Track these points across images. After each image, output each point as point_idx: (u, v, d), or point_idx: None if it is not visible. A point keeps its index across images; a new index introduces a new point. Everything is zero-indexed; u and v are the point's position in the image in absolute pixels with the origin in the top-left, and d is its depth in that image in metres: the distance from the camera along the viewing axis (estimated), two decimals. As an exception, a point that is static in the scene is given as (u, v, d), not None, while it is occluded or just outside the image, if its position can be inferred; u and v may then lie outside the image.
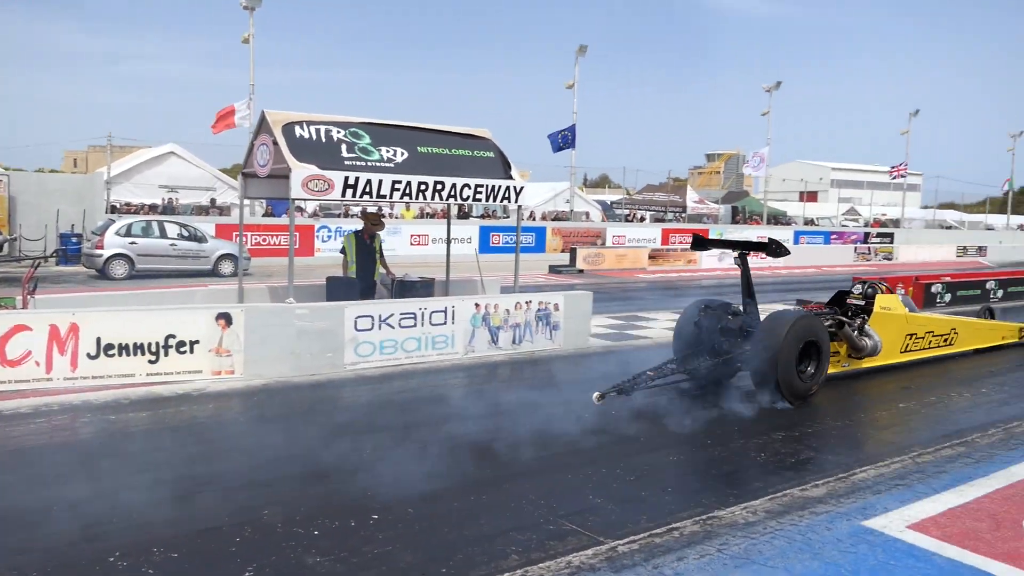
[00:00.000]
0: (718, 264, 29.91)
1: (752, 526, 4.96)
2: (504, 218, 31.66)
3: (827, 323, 8.77)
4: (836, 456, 6.47)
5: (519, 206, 10.36)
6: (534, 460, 6.12)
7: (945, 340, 10.69)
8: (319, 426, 7.01)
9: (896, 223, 48.17)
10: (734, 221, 41.23)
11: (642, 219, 39.20)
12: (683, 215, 38.18)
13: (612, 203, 41.82)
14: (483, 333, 10.12)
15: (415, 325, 9.56)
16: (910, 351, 9.98)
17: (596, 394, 7.23)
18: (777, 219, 45.03)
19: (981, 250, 42.92)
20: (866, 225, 48.29)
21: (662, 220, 37.27)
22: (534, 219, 34.52)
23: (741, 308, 8.73)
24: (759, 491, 5.56)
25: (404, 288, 10.73)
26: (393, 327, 9.40)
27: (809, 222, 47.60)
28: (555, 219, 34.23)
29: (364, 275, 10.62)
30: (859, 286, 9.92)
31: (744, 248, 8.91)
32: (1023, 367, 10.68)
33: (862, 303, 9.55)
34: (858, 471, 6.07)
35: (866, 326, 9.35)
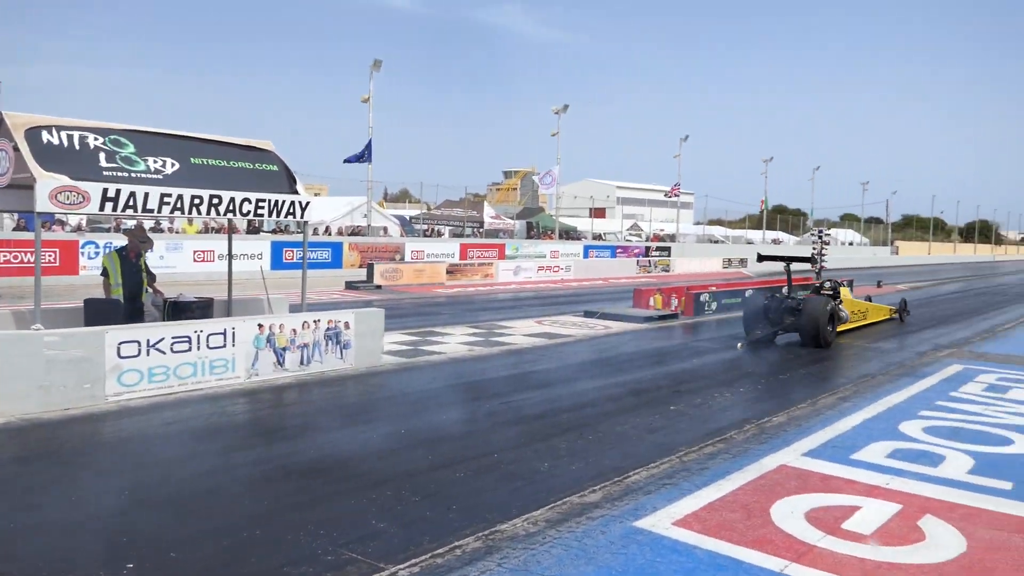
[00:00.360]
0: (514, 278, 30.86)
1: (532, 537, 5.08)
2: (299, 233, 30.54)
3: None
4: (612, 460, 6.85)
5: (305, 222, 9.97)
6: (315, 487, 5.87)
7: (863, 315, 17.27)
8: (60, 470, 6.24)
9: (673, 238, 52.64)
10: (529, 236, 42.90)
11: (440, 234, 39.61)
12: (481, 230, 39.10)
13: (411, 218, 41.84)
14: (268, 355, 9.60)
15: (190, 349, 8.85)
16: (853, 322, 16.47)
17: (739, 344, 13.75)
18: (568, 234, 47.46)
19: (743, 262, 48.07)
20: (647, 240, 52.29)
21: (460, 235, 37.87)
22: (330, 234, 33.62)
23: (788, 296, 15.21)
24: (541, 501, 5.72)
25: (178, 310, 9.91)
26: (164, 352, 8.64)
27: (597, 237, 50.68)
28: (353, 234, 33.58)
29: (130, 296, 9.69)
30: (828, 282, 16.48)
31: (791, 260, 15.95)
32: (773, 370, 12.02)
33: (831, 293, 15.83)
34: (631, 473, 6.45)
35: (840, 306, 15.52)
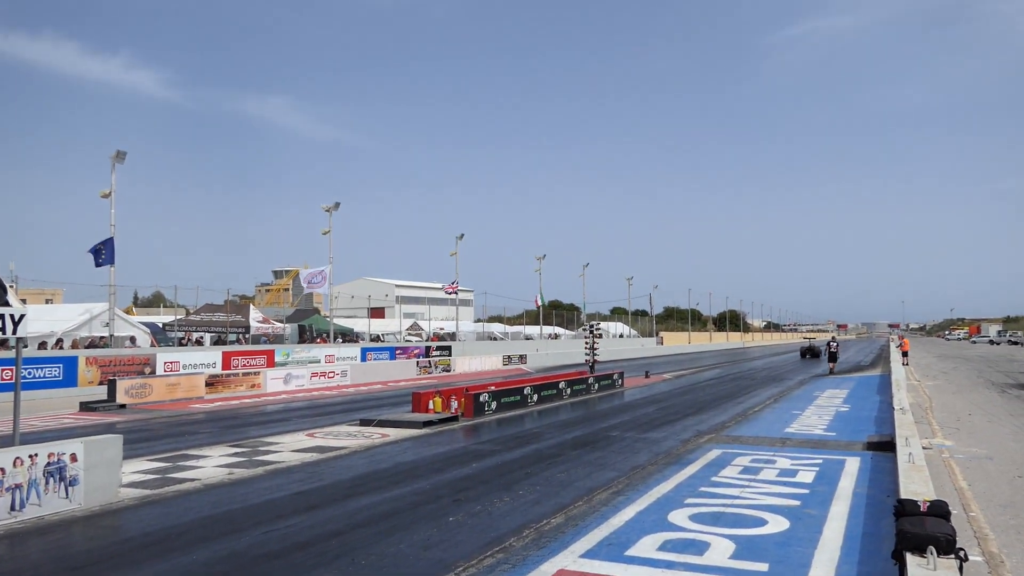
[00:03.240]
0: (284, 387, 29.51)
1: None
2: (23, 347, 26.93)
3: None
4: (387, 586, 6.55)
5: (19, 337, 8.82)
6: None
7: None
8: None
9: (453, 336, 53.64)
10: (301, 340, 41.47)
11: (200, 342, 37.06)
12: (247, 336, 37.17)
13: (165, 325, 38.76)
14: (-35, 502, 8.16)
15: None
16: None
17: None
18: (345, 336, 46.59)
19: (522, 358, 50.00)
20: (428, 339, 52.78)
21: (223, 342, 35.67)
22: (62, 347, 30.09)
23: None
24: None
25: None
26: None
27: (376, 338, 50.22)
28: (90, 346, 30.32)
29: None
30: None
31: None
32: (551, 467, 12.38)
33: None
34: (407, 599, 6.19)
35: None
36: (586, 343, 32.13)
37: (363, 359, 37.89)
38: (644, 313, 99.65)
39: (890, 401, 19.08)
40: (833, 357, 38.53)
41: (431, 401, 19.31)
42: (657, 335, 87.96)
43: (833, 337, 44.91)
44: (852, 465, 12.09)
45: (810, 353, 56.10)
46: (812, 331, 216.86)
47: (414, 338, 57.51)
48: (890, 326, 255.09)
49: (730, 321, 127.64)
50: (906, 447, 10.11)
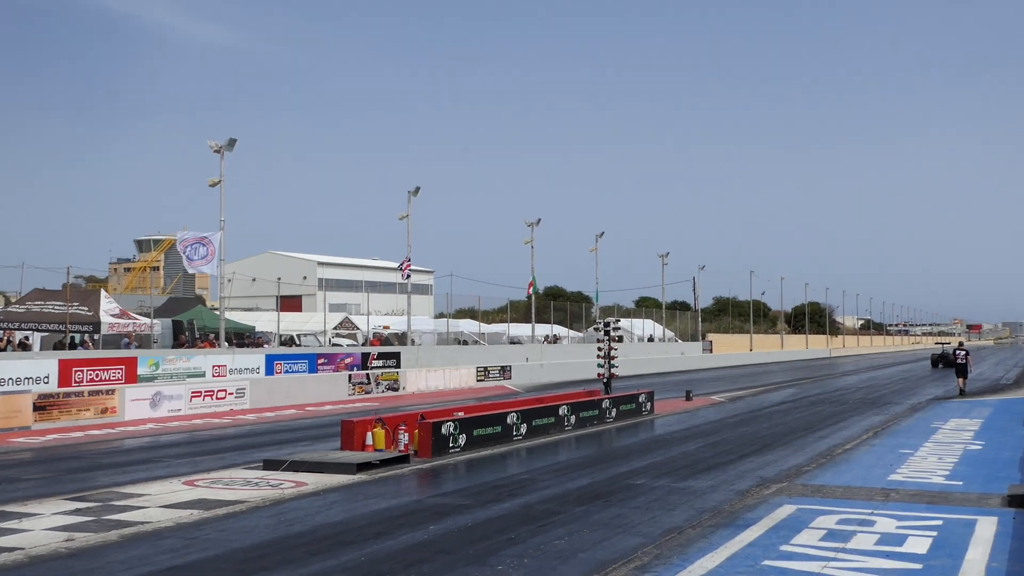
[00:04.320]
0: (152, 412, 29.47)
1: None
2: None
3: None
4: None
5: None
6: None
7: None
8: None
9: (403, 338, 53.60)
10: (178, 343, 41.29)
11: (26, 344, 36.85)
12: (95, 336, 36.99)
13: (-29, 320, 38.50)
14: None
15: None
16: None
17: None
18: (243, 338, 46.47)
19: (505, 371, 50.15)
20: (366, 342, 52.71)
21: (61, 345, 35.47)
22: None
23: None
24: None
25: None
26: None
27: (288, 341, 50.13)
28: None
29: None
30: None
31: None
32: (548, 529, 12.44)
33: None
34: None
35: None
36: (599, 350, 32.24)
37: (269, 371, 37.80)
38: (685, 306, 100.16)
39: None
40: (962, 371, 38.92)
41: (370, 434, 19.33)
42: (704, 338, 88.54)
43: (960, 343, 45.38)
44: (986, 528, 12.21)
45: (943, 362, 63.57)
46: (928, 334, 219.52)
47: (345, 341, 57.38)
48: None
49: (811, 319, 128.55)
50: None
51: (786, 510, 13.49)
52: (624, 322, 66.84)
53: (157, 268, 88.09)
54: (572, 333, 71.35)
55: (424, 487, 16.49)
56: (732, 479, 16.64)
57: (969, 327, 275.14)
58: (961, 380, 38.70)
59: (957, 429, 24.76)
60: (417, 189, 49.08)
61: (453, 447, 19.94)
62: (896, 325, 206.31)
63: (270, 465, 17.73)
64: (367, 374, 40.51)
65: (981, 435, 23.33)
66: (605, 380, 31.63)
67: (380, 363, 43.61)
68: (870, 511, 13.38)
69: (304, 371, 39.66)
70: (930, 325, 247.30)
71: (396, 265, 56.30)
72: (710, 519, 12.99)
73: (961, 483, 16.02)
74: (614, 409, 27.72)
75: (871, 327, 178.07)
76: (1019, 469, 17.59)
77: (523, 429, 22.81)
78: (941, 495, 14.85)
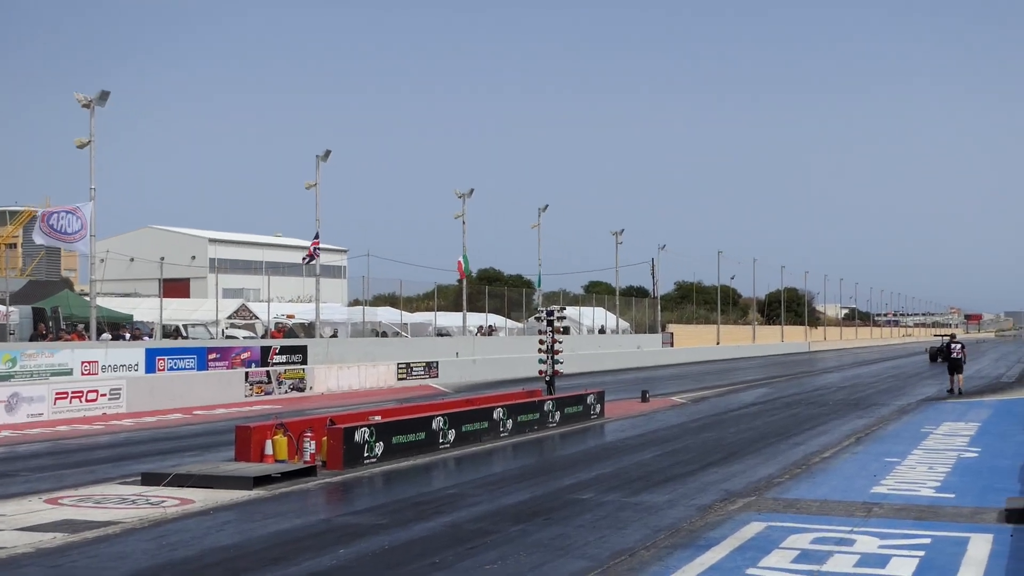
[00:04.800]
0: (8, 418, 29.04)
1: None
2: None
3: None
4: None
5: None
6: None
7: None
8: None
9: (311, 329, 53.24)
10: (39, 335, 40.62)
11: None
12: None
13: None
14: None
15: None
16: None
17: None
18: (119, 328, 45.89)
19: (432, 368, 50.12)
20: (266, 334, 52.27)
21: None
22: None
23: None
24: None
25: None
26: None
27: (174, 333, 49.49)
28: None
29: None
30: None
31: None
32: (478, 552, 12.50)
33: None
34: None
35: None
36: (541, 343, 32.37)
37: (150, 368, 37.41)
38: (643, 293, 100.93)
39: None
40: (956, 366, 39.67)
41: (270, 442, 19.21)
42: (664, 330, 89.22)
43: (953, 336, 46.32)
44: (980, 547, 12.47)
45: (942, 356, 63.04)
46: (921, 325, 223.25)
47: (242, 332, 56.80)
48: None
49: (788, 308, 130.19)
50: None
51: (754, 528, 13.66)
52: (571, 311, 67.19)
53: (14, 245, 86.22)
54: (510, 324, 71.49)
55: (333, 504, 16.45)
56: (693, 493, 16.81)
57: (967, 317, 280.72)
58: (955, 378, 39.42)
59: (950, 434, 25.23)
60: (327, 153, 48.74)
61: (368, 457, 19.89)
62: (885, 315, 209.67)
63: (150, 479, 17.55)
64: (267, 372, 40.21)
65: (977, 441, 23.80)
66: (548, 378, 31.75)
67: (283, 359, 43.34)
68: (850, 529, 13.60)
69: (192, 368, 39.28)
70: (924, 315, 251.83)
71: (303, 243, 55.85)
72: (667, 539, 13.12)
73: (953, 496, 16.35)
74: (558, 412, 27.81)
75: (856, 317, 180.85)
76: (1019, 479, 17.96)
77: (451, 436, 22.81)
78: (930, 510, 15.14)
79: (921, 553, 12.14)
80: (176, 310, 55.55)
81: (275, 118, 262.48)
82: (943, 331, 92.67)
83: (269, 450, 19.13)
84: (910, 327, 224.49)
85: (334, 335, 54.47)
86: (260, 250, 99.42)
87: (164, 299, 47.60)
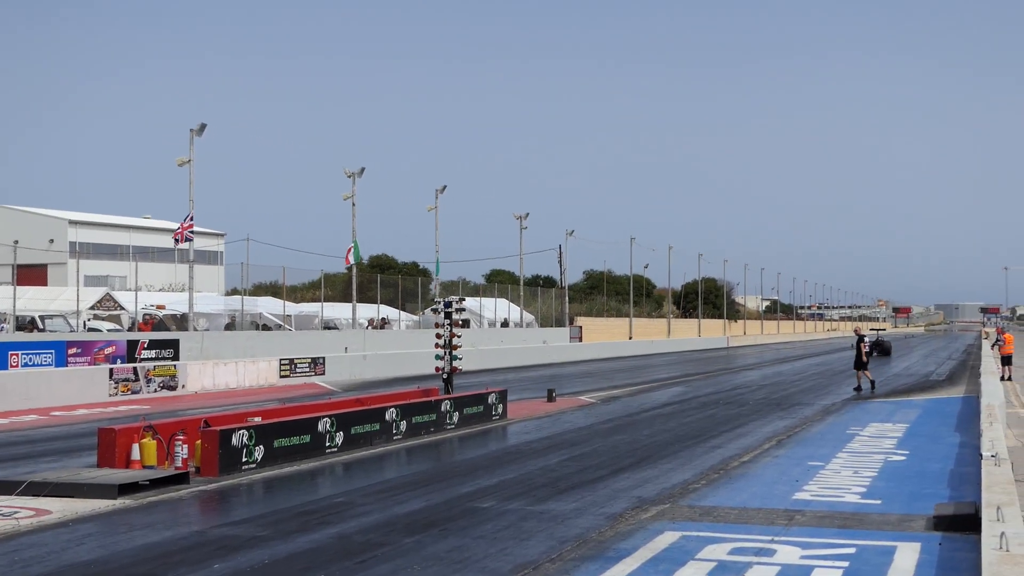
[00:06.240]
0: None
1: None
2: None
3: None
4: None
5: None
6: None
7: None
8: None
9: (184, 321, 52.70)
10: None
11: None
12: None
13: None
14: None
15: None
16: None
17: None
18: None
19: (318, 364, 49.81)
20: (132, 327, 51.62)
21: None
22: None
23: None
24: None
25: None
26: None
27: (28, 325, 48.64)
28: None
29: None
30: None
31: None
32: (368, 568, 12.49)
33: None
34: None
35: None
36: (439, 337, 32.34)
37: (2, 365, 36.83)
38: (550, 282, 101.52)
39: (977, 444, 20.17)
40: (862, 364, 40.57)
41: (136, 446, 19.00)
42: (572, 323, 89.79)
43: (856, 330, 49.42)
44: (906, 556, 12.74)
45: (879, 350, 69.45)
46: (847, 319, 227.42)
47: (106, 325, 56.01)
48: (984, 311, 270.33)
49: (705, 299, 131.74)
50: (998, 523, 10.70)
51: (668, 538, 13.81)
52: (471, 302, 67.24)
53: None
54: (405, 316, 71.38)
55: (208, 514, 16.31)
56: (602, 500, 16.92)
57: (896, 310, 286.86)
58: (863, 375, 40.13)
59: (877, 436, 25.75)
60: (202, 127, 48.35)
61: (247, 462, 19.75)
62: (809, 307, 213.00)
63: (1, 488, 17.25)
64: (135, 368, 39.65)
65: (906, 443, 24.31)
66: (446, 376, 31.73)
67: (152, 354, 42.89)
68: (770, 538, 13.81)
69: (50, 364, 38.73)
70: (850, 308, 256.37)
71: (174, 226, 55.19)
72: (573, 550, 13.22)
73: (880, 502, 16.68)
74: (457, 413, 27.84)
75: (778, 309, 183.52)
76: (948, 484, 18.37)
77: (339, 439, 22.74)
78: (855, 517, 15.44)
79: (845, 563, 12.39)
80: (32, 299, 54.60)
81: (145, 87, 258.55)
82: (878, 326, 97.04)
83: (136, 455, 18.90)
84: (835, 321, 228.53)
85: (209, 328, 53.92)
86: (127, 233, 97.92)
87: (18, 287, 46.83)
